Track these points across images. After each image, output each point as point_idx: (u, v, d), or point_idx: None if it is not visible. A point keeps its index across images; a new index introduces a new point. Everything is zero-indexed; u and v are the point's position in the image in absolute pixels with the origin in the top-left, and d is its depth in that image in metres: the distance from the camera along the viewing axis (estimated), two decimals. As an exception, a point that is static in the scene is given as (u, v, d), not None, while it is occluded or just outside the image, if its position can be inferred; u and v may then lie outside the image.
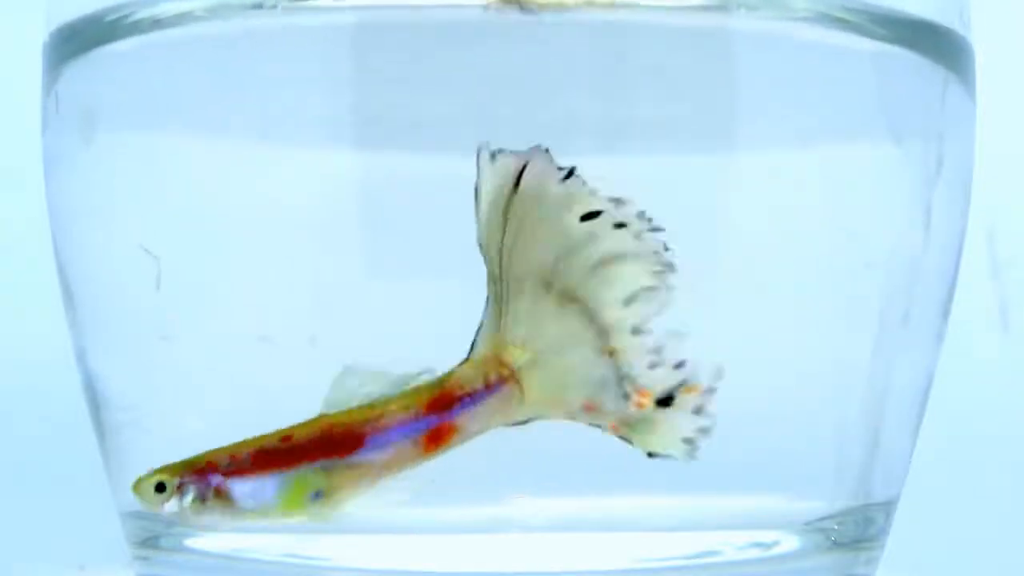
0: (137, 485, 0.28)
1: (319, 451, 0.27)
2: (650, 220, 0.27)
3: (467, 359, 0.27)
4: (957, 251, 0.33)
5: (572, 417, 0.27)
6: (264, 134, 0.29)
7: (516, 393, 0.27)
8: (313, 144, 0.29)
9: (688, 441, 0.27)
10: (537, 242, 0.27)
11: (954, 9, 0.32)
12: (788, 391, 0.30)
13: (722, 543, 0.30)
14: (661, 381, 0.27)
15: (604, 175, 0.28)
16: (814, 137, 0.30)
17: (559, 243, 0.27)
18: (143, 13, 0.30)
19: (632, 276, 0.27)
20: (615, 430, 0.27)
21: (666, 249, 0.27)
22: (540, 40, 0.28)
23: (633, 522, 0.29)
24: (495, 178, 0.27)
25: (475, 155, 0.27)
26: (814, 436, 0.31)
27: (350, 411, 0.27)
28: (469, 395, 0.27)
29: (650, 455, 0.27)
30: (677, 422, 0.27)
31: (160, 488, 0.28)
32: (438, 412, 0.27)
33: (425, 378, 0.27)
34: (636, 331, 0.27)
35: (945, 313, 0.33)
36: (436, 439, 0.27)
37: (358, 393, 0.27)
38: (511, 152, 0.27)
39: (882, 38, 0.30)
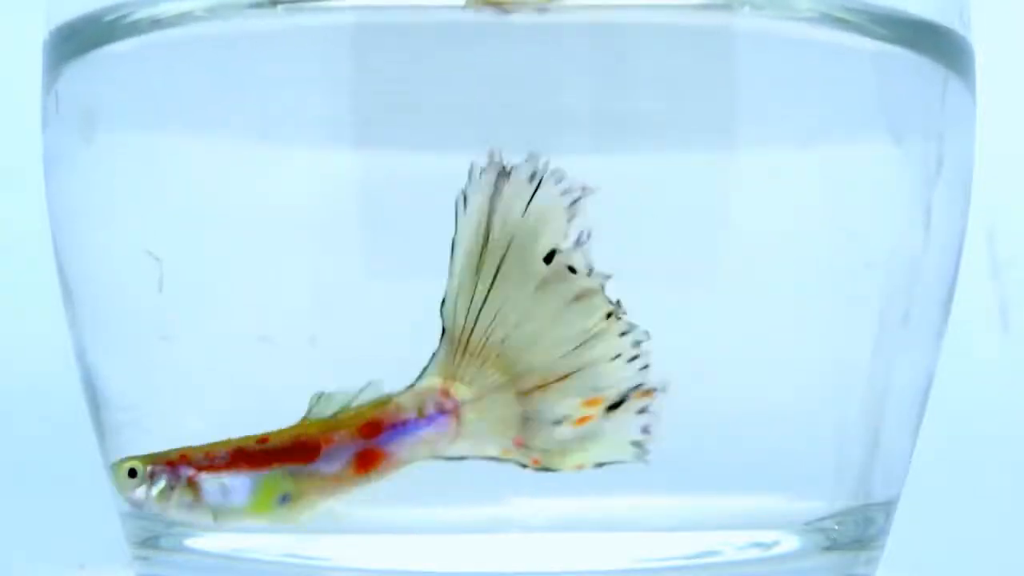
0: (112, 468, 0.28)
1: (289, 456, 0.28)
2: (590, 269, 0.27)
3: (411, 386, 0.28)
4: (957, 251, 0.33)
5: (500, 455, 0.28)
6: (264, 134, 0.29)
7: (453, 427, 0.28)
8: (313, 144, 0.29)
9: (636, 444, 0.27)
10: (501, 290, 0.27)
11: (954, 9, 0.32)
12: (788, 391, 0.30)
13: (722, 543, 0.30)
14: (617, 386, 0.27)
15: (604, 175, 0.28)
16: (814, 136, 0.30)
17: (520, 290, 0.27)
18: (143, 13, 0.30)
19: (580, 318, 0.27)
20: (536, 463, 0.28)
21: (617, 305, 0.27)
22: (541, 40, 0.28)
23: (633, 522, 0.29)
24: (469, 224, 0.27)
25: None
26: (814, 436, 0.31)
27: (318, 421, 0.28)
28: (401, 423, 0.28)
29: (599, 465, 0.28)
30: (624, 427, 0.27)
31: (132, 473, 0.28)
32: (367, 436, 0.28)
33: (369, 392, 0.28)
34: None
35: (945, 313, 0.33)
36: (365, 463, 0.28)
37: (332, 403, 0.28)
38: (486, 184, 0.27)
39: (882, 38, 0.30)
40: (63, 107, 0.31)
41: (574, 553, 0.29)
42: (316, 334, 0.29)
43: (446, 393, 0.28)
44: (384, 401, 0.28)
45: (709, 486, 0.30)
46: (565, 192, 0.27)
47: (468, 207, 0.27)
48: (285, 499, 0.28)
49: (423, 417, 0.28)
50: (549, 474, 0.29)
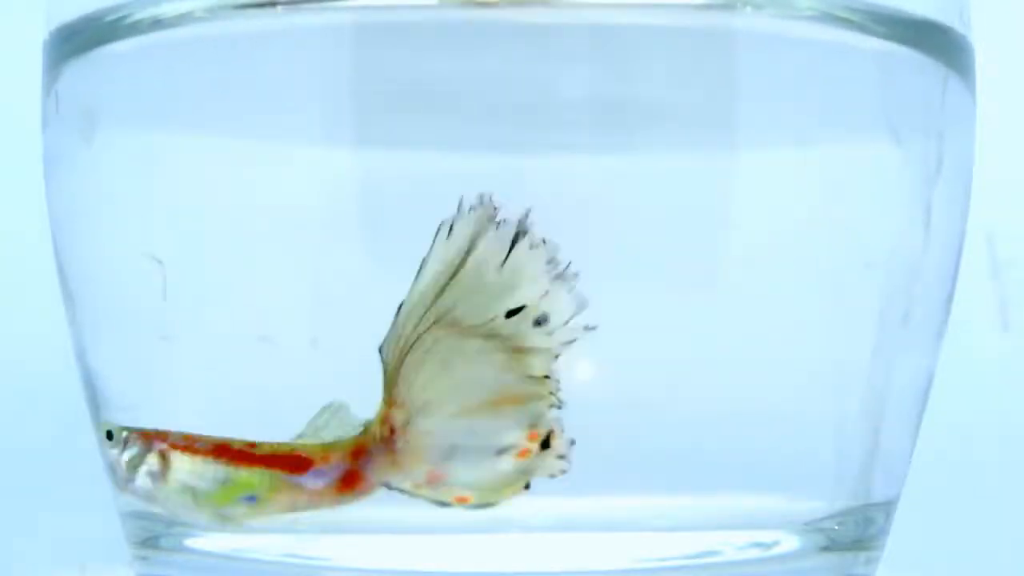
0: (97, 426, 0.29)
1: (277, 463, 0.28)
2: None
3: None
4: (957, 251, 0.33)
5: (411, 489, 0.28)
6: (264, 134, 0.29)
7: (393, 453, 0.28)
8: (313, 144, 0.29)
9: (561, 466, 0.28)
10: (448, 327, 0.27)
11: (954, 8, 0.32)
12: (788, 391, 0.30)
13: (722, 543, 0.30)
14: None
15: (604, 175, 0.29)
16: (814, 135, 0.30)
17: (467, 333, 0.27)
18: (143, 13, 0.30)
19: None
20: (462, 501, 0.28)
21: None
22: (541, 40, 0.28)
23: (633, 522, 0.29)
24: (446, 251, 0.27)
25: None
26: (814, 436, 0.31)
27: (309, 444, 0.28)
28: (375, 447, 0.28)
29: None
30: (549, 464, 0.28)
31: (109, 435, 0.29)
32: (356, 459, 0.28)
33: (328, 413, 0.28)
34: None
35: (945, 313, 0.33)
36: (349, 483, 0.28)
37: (333, 423, 0.28)
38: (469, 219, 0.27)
39: (882, 36, 0.30)
40: (63, 107, 0.32)
41: (574, 553, 0.29)
42: (317, 334, 0.29)
43: (385, 419, 0.28)
44: (368, 425, 0.28)
45: (709, 486, 0.30)
46: (550, 261, 0.27)
47: (450, 238, 0.27)
48: (251, 500, 0.28)
49: (384, 443, 0.28)
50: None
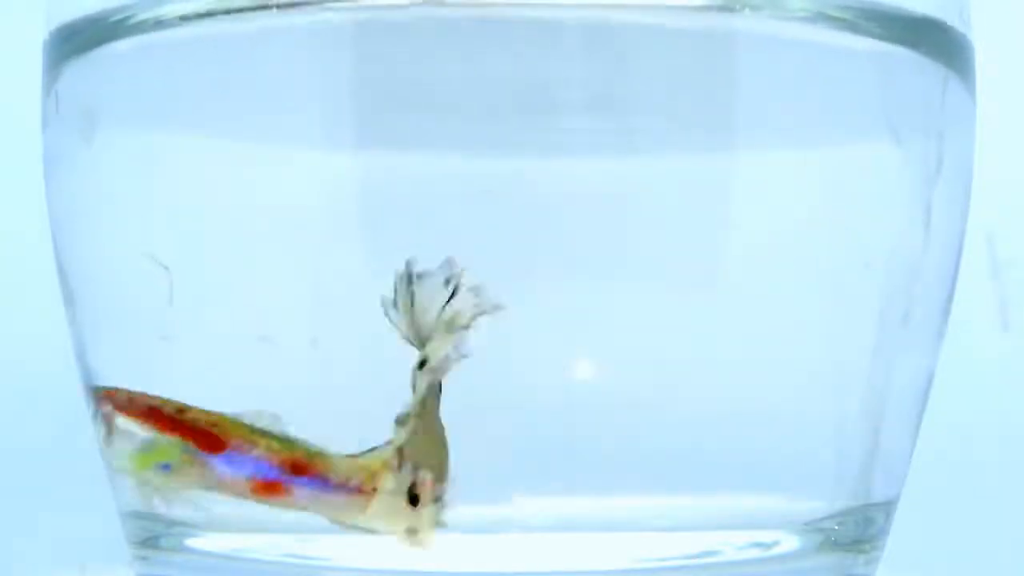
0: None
1: (193, 435, 0.28)
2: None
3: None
4: (957, 251, 0.33)
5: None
6: (264, 134, 0.29)
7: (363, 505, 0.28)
8: (313, 144, 0.29)
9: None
10: None
11: (954, 7, 0.32)
12: (788, 391, 0.30)
13: (722, 543, 0.30)
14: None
15: (603, 176, 0.29)
16: (814, 136, 0.30)
17: None
18: (144, 14, 0.30)
19: None
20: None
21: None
22: (540, 40, 0.28)
23: (633, 522, 0.29)
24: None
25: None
26: (814, 436, 0.31)
27: (247, 425, 0.28)
28: (323, 479, 0.28)
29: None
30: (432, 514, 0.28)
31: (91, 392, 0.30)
32: (286, 469, 0.28)
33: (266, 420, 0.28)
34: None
35: (945, 313, 0.33)
36: (265, 489, 0.28)
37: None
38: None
39: (882, 36, 0.30)
40: (63, 107, 0.31)
41: (574, 553, 0.29)
42: (317, 334, 0.29)
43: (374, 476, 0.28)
44: (326, 456, 0.28)
45: (709, 486, 0.30)
46: (476, 306, 0.27)
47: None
48: (166, 468, 0.28)
49: (345, 486, 0.28)
50: (549, 474, 0.29)
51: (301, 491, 0.28)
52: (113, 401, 0.29)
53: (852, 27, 0.30)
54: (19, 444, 0.48)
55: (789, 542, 0.30)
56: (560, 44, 0.28)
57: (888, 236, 0.31)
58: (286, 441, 0.28)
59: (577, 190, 0.28)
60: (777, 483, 0.30)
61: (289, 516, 0.29)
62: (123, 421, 0.29)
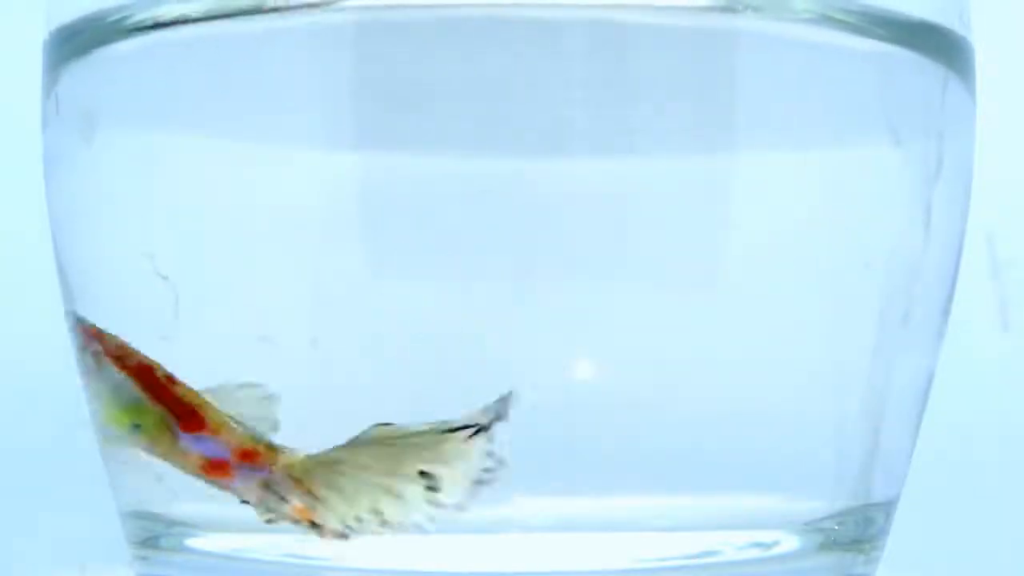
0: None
1: (169, 405, 0.28)
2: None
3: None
4: (957, 251, 0.33)
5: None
6: (264, 135, 0.29)
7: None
8: (313, 144, 0.29)
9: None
10: None
11: (954, 9, 0.32)
12: (788, 391, 0.30)
13: (722, 543, 0.30)
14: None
15: (604, 176, 0.29)
16: (814, 137, 0.30)
17: None
18: (143, 14, 0.30)
19: None
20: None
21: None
22: (541, 41, 0.28)
23: (633, 522, 0.29)
24: None
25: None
26: (814, 436, 0.31)
27: (219, 410, 0.28)
28: (260, 466, 0.28)
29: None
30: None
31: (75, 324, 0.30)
32: (236, 454, 0.28)
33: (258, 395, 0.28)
34: None
35: (945, 313, 0.33)
36: (212, 469, 0.28)
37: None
38: None
39: (882, 38, 0.30)
40: (63, 108, 0.32)
41: (574, 553, 0.29)
42: (317, 335, 0.29)
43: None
44: (272, 447, 0.28)
45: (709, 486, 0.30)
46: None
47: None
48: (136, 428, 0.28)
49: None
50: (548, 474, 0.29)
51: (240, 475, 0.28)
52: (103, 344, 0.29)
53: (853, 28, 0.30)
54: (19, 444, 0.48)
55: (789, 542, 0.30)
56: (561, 44, 0.28)
57: (888, 236, 0.31)
58: (247, 431, 0.28)
59: (577, 190, 0.28)
60: (777, 483, 0.30)
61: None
62: (107, 364, 0.29)
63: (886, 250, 0.31)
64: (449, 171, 0.28)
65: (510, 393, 0.27)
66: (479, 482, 0.28)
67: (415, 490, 0.28)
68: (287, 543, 0.30)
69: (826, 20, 0.29)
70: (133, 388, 0.29)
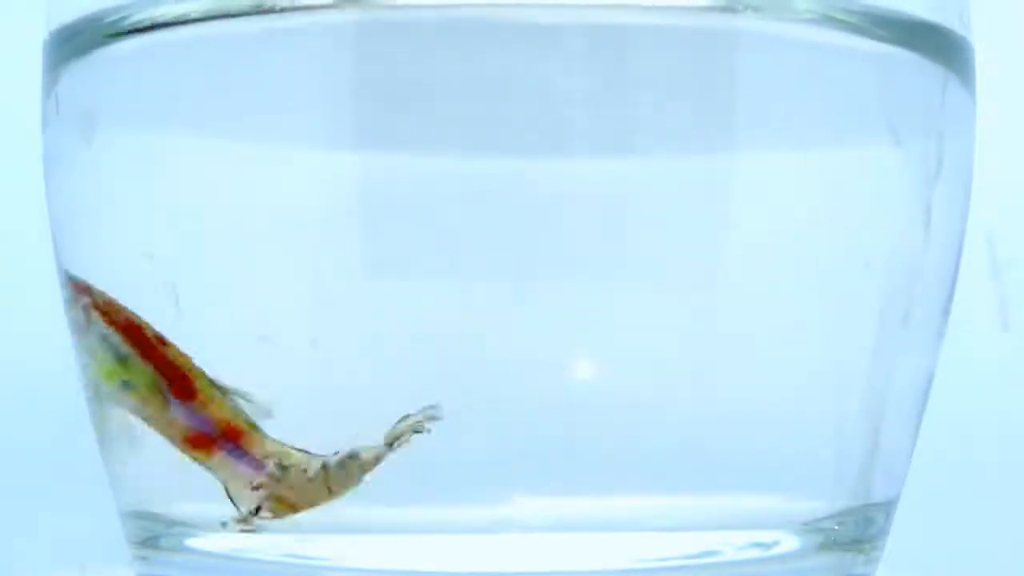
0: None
1: (161, 368, 0.28)
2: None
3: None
4: (957, 251, 0.33)
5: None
6: (264, 134, 0.29)
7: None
8: (313, 144, 0.29)
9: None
10: None
11: (954, 9, 0.32)
12: (788, 391, 0.30)
13: (722, 543, 0.30)
14: None
15: (604, 177, 0.29)
16: (814, 137, 0.30)
17: None
18: (143, 14, 0.30)
19: None
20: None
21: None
22: (541, 41, 0.28)
23: (633, 522, 0.29)
24: None
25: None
26: (814, 436, 0.31)
27: (210, 382, 0.28)
28: (243, 451, 0.28)
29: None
30: None
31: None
32: (224, 431, 0.28)
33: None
34: None
35: (945, 313, 0.33)
36: (193, 441, 0.28)
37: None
38: None
39: (882, 38, 0.30)
40: (63, 108, 0.31)
41: (574, 553, 0.29)
42: (317, 335, 0.29)
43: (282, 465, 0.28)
44: (257, 430, 0.28)
45: (709, 486, 0.30)
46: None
47: None
48: (126, 386, 0.28)
49: (258, 466, 0.28)
50: (548, 474, 0.29)
51: (221, 454, 0.28)
52: (92, 297, 0.29)
53: (853, 29, 0.30)
54: (19, 444, 0.48)
55: (789, 542, 0.30)
56: (561, 44, 0.28)
57: (888, 236, 0.31)
58: (234, 407, 0.28)
59: (577, 190, 0.28)
60: (777, 483, 0.30)
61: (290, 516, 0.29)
62: (96, 318, 0.29)
63: (886, 250, 0.31)
64: (449, 171, 0.28)
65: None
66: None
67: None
68: (287, 543, 0.30)
69: (826, 20, 0.29)
70: (122, 344, 0.29)
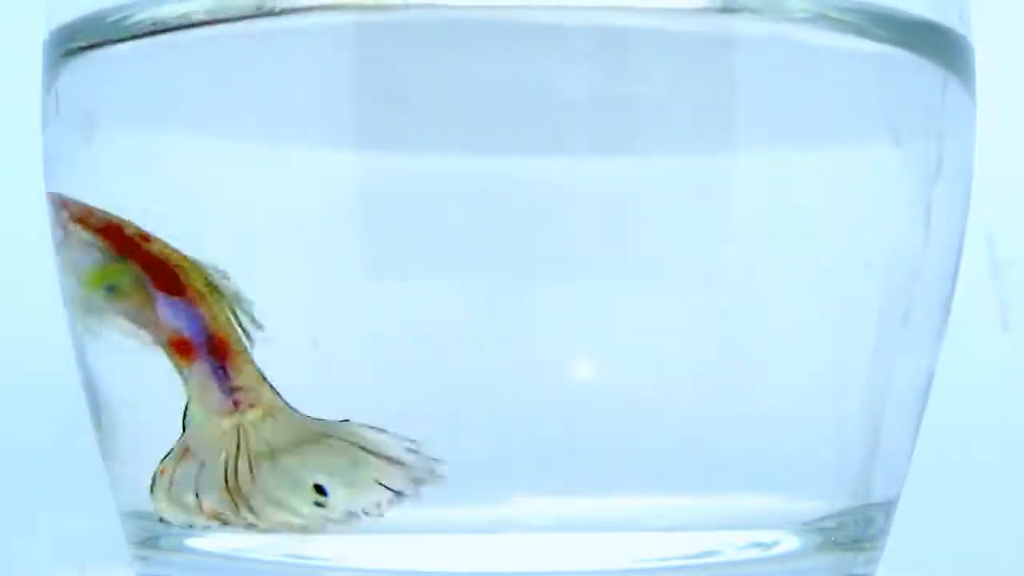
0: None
1: (146, 266, 0.28)
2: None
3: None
4: (957, 251, 0.33)
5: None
6: (264, 134, 0.29)
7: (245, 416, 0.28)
8: (314, 144, 0.29)
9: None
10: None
11: (954, 9, 0.32)
12: (788, 391, 0.30)
13: (722, 543, 0.30)
14: None
15: (604, 177, 0.29)
16: (814, 137, 0.30)
17: None
18: (144, 14, 0.30)
19: None
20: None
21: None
22: (541, 42, 0.28)
23: (633, 522, 0.29)
24: None
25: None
26: (814, 436, 0.31)
27: (203, 274, 0.28)
28: (225, 368, 0.28)
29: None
30: None
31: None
32: (211, 344, 0.28)
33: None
34: None
35: (945, 313, 0.33)
36: (179, 347, 0.28)
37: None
38: None
39: (882, 39, 0.30)
40: (63, 108, 0.31)
41: (574, 553, 0.29)
42: (317, 334, 0.29)
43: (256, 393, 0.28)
44: (245, 352, 0.28)
45: (709, 486, 0.30)
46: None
47: None
48: (111, 290, 0.28)
49: (233, 390, 0.28)
50: (549, 474, 0.29)
51: (200, 365, 0.28)
52: (68, 210, 0.28)
53: (852, 29, 0.30)
54: (19, 444, 0.48)
55: (789, 542, 0.30)
56: (561, 45, 0.28)
57: (888, 236, 0.31)
58: (227, 318, 0.28)
59: (578, 191, 0.28)
60: (777, 483, 0.30)
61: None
62: (75, 232, 0.28)
63: (886, 250, 0.31)
64: (449, 171, 0.28)
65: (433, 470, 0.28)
66: (363, 513, 0.28)
67: (300, 497, 0.28)
68: (287, 543, 0.30)
69: (826, 21, 0.29)
70: (103, 246, 0.28)
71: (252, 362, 0.28)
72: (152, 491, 0.29)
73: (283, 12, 0.28)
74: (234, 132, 0.29)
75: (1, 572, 0.35)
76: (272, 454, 0.28)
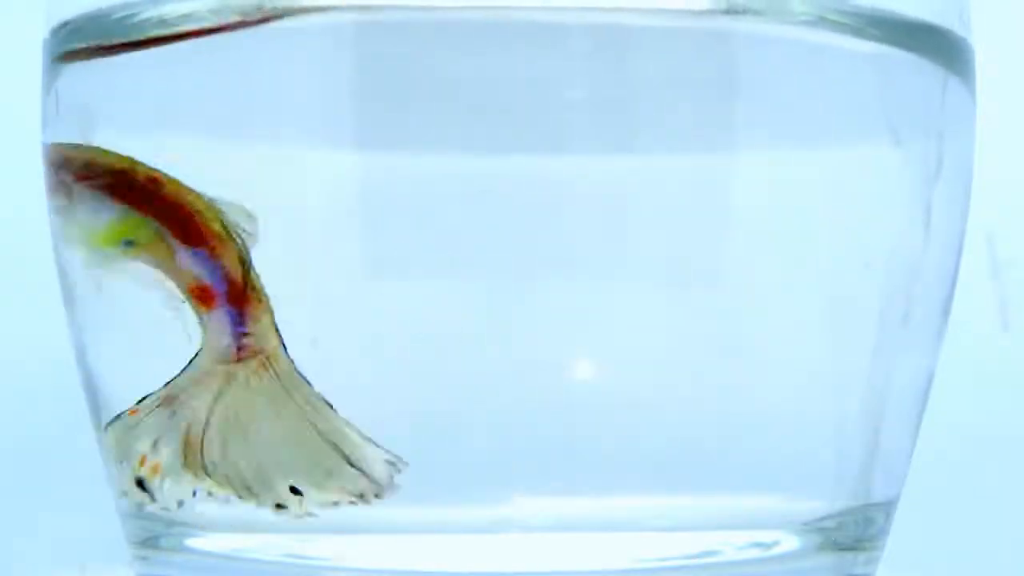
0: None
1: (167, 219, 0.27)
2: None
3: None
4: (957, 251, 0.33)
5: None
6: (264, 135, 0.29)
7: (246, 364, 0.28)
8: (314, 145, 0.29)
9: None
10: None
11: (954, 10, 0.32)
12: (788, 391, 0.30)
13: (722, 543, 0.30)
14: None
15: (604, 176, 0.29)
16: (814, 137, 0.30)
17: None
18: (145, 14, 0.30)
19: None
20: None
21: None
22: (542, 42, 0.28)
23: (633, 522, 0.29)
24: None
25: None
26: (814, 436, 0.31)
27: (221, 221, 0.27)
28: (236, 310, 0.28)
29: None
30: None
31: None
32: (230, 293, 0.27)
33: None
34: None
35: (945, 313, 0.33)
36: (200, 294, 0.27)
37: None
38: None
39: (882, 39, 0.30)
40: (63, 107, 0.31)
41: (574, 553, 0.29)
42: (316, 335, 0.29)
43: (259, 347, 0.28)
44: (263, 300, 0.27)
45: (709, 486, 0.30)
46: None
47: None
48: (128, 244, 0.27)
49: (240, 350, 0.28)
50: (549, 474, 0.29)
51: (219, 313, 0.28)
52: (70, 167, 0.27)
53: (853, 30, 0.30)
54: (19, 444, 0.48)
55: (789, 542, 0.30)
56: (562, 44, 0.28)
57: (888, 236, 0.31)
58: (247, 266, 0.27)
59: (578, 190, 0.28)
60: (777, 483, 0.30)
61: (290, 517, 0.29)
62: (80, 192, 0.27)
63: (886, 250, 0.31)
64: (449, 171, 0.28)
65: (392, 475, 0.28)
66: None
67: (271, 493, 0.28)
68: (287, 543, 0.30)
69: (826, 22, 0.29)
70: (114, 200, 0.27)
71: (271, 312, 0.28)
72: (105, 427, 0.29)
73: (283, 13, 0.28)
74: (234, 132, 0.29)
75: (1, 572, 0.35)
76: (245, 429, 0.28)
